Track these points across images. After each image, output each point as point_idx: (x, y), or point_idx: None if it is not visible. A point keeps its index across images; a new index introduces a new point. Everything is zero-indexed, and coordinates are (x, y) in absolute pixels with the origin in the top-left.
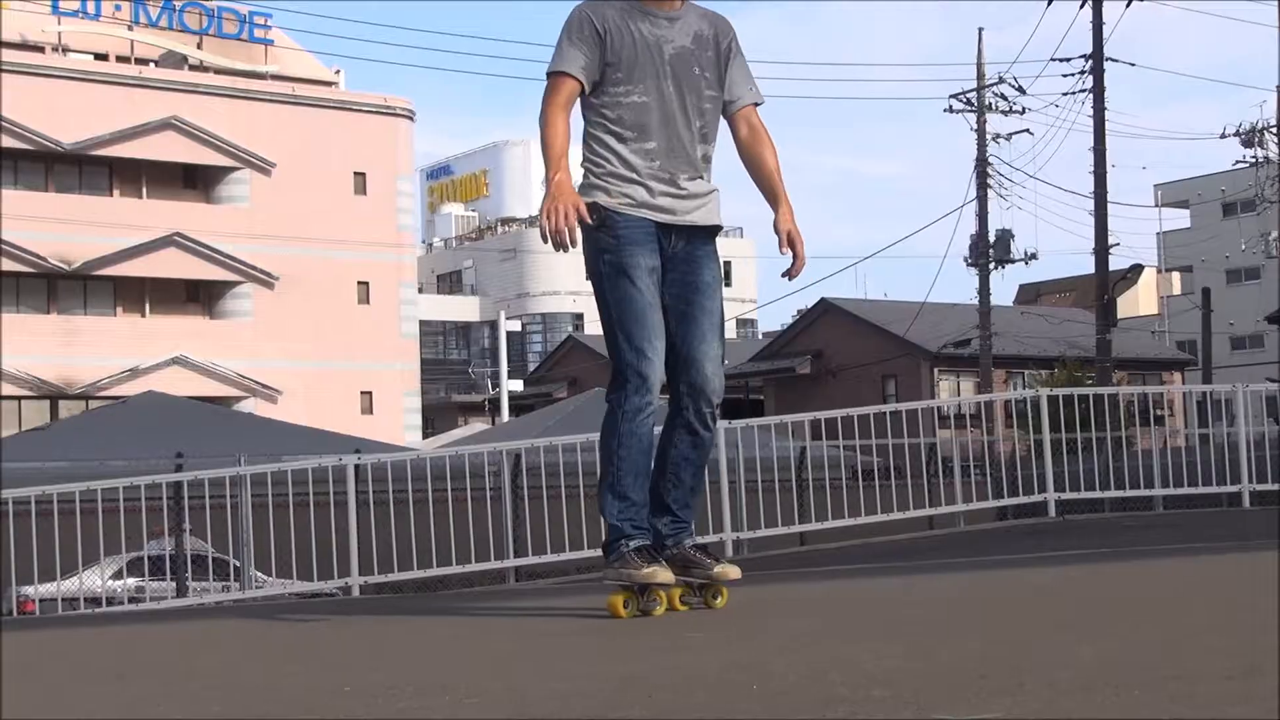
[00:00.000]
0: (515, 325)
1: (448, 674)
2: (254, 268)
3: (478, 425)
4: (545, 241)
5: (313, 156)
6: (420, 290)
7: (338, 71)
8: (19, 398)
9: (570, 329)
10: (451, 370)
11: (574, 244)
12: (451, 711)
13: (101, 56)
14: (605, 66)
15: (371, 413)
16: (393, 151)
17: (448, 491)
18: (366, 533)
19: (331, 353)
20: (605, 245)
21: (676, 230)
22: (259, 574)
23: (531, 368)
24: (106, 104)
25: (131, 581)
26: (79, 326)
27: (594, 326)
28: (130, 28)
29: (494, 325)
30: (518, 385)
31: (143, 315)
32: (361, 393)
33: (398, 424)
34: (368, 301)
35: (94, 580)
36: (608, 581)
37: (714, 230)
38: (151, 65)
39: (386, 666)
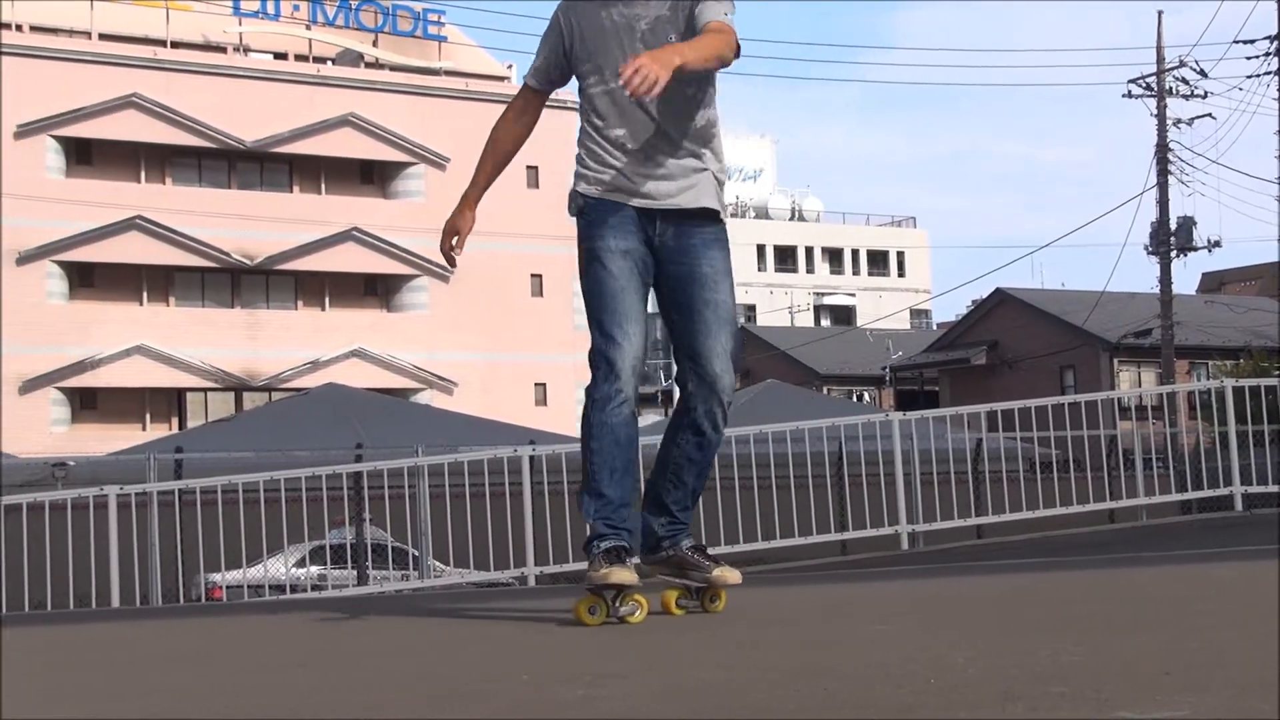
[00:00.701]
0: None
1: (619, 663)
2: (430, 261)
3: (651, 417)
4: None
5: None
6: None
7: (510, 66)
8: (205, 389)
9: (743, 320)
10: None
11: (452, 265)
12: (623, 700)
13: (281, 56)
14: (576, 61)
15: (545, 404)
16: (566, 145)
17: None
18: (542, 523)
19: (506, 345)
20: (580, 233)
21: (662, 216)
22: (437, 563)
23: None
24: (286, 102)
25: (314, 569)
26: (262, 320)
27: (766, 318)
28: (308, 27)
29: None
30: None
31: (322, 309)
32: (535, 384)
33: (572, 415)
34: (541, 294)
35: (278, 568)
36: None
37: (709, 214)
38: (329, 64)
39: (563, 654)
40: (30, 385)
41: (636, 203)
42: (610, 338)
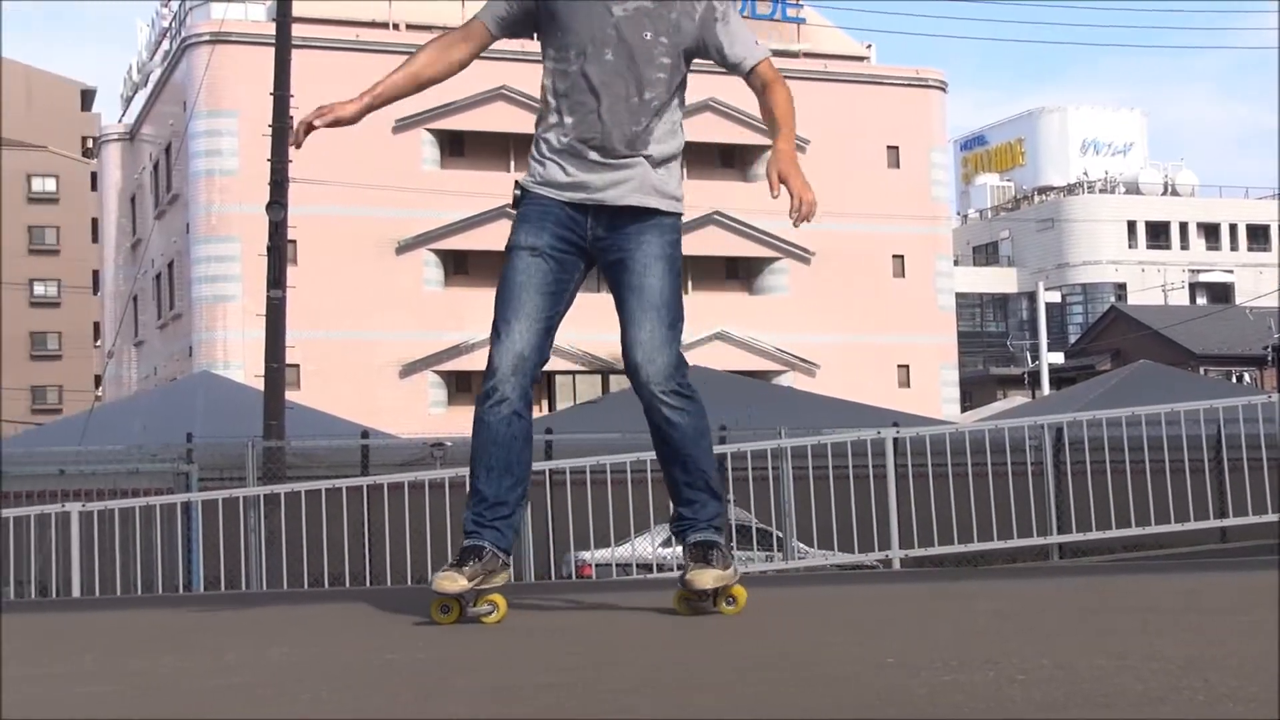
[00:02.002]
0: (1054, 296)
1: (993, 649)
2: (790, 244)
3: (1017, 399)
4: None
5: (846, 132)
6: (956, 263)
7: (869, 46)
8: (573, 372)
9: (1113, 299)
10: (989, 343)
11: (298, 145)
12: (995, 687)
13: None
14: (542, 27)
15: (908, 386)
16: (926, 124)
17: (987, 466)
18: (906, 506)
19: (867, 326)
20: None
21: (595, 211)
22: (800, 544)
23: (1072, 340)
24: None
25: (679, 549)
26: None
27: (1138, 296)
28: None
29: (1032, 297)
30: (1058, 358)
31: (685, 292)
32: (898, 366)
33: (935, 397)
34: (903, 275)
35: (644, 547)
36: None
37: (650, 213)
38: None
39: (931, 639)
40: (409, 369)
41: (565, 195)
42: (495, 334)
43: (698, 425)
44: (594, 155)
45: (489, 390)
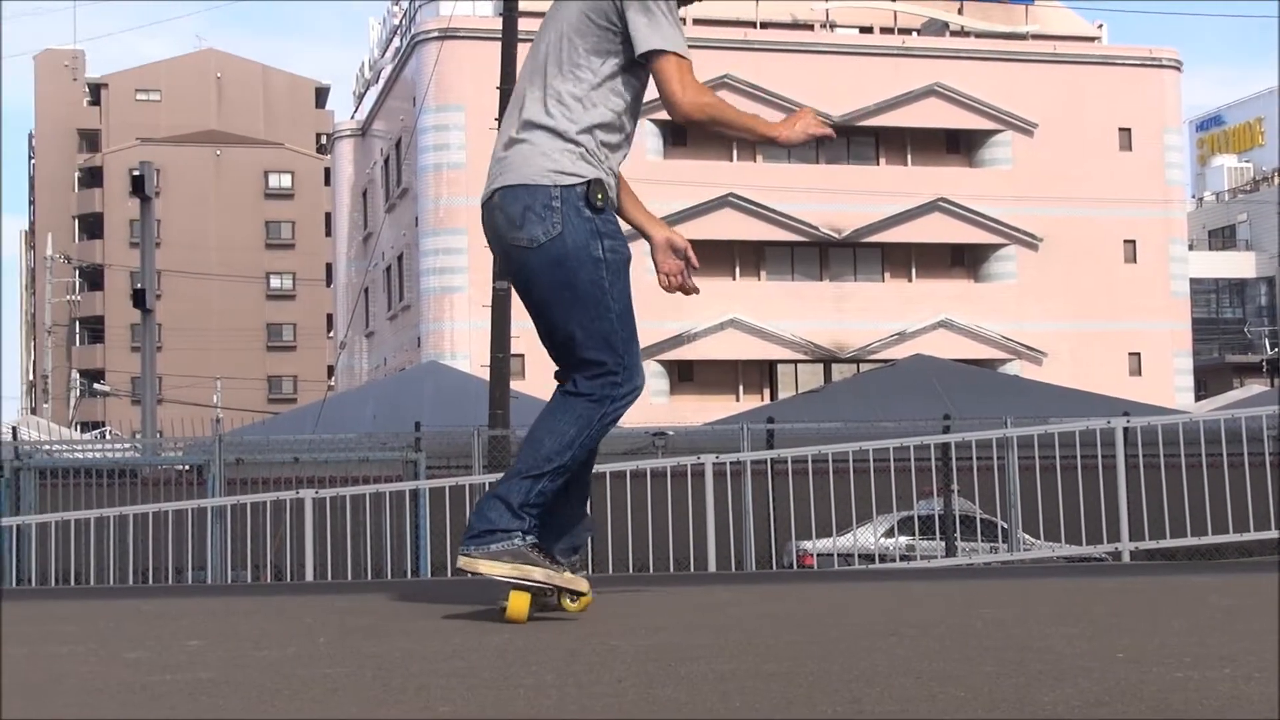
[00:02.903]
0: None
1: (1228, 646)
2: (1017, 229)
3: (1255, 387)
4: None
5: (1075, 114)
6: (1190, 247)
7: (1100, 26)
8: (795, 361)
9: None
10: (1225, 329)
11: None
12: (1231, 685)
13: (866, 30)
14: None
15: (1139, 374)
16: (1159, 104)
17: (1222, 456)
18: (1136, 497)
19: (1097, 313)
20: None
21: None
22: (1027, 536)
23: None
24: (872, 75)
25: (902, 540)
26: (849, 293)
27: None
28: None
29: (1271, 282)
30: None
31: (909, 280)
32: (1129, 354)
33: (1168, 385)
34: (1134, 260)
35: (867, 537)
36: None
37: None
38: (914, 34)
39: (1163, 635)
40: None
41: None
42: (637, 340)
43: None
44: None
45: (639, 388)
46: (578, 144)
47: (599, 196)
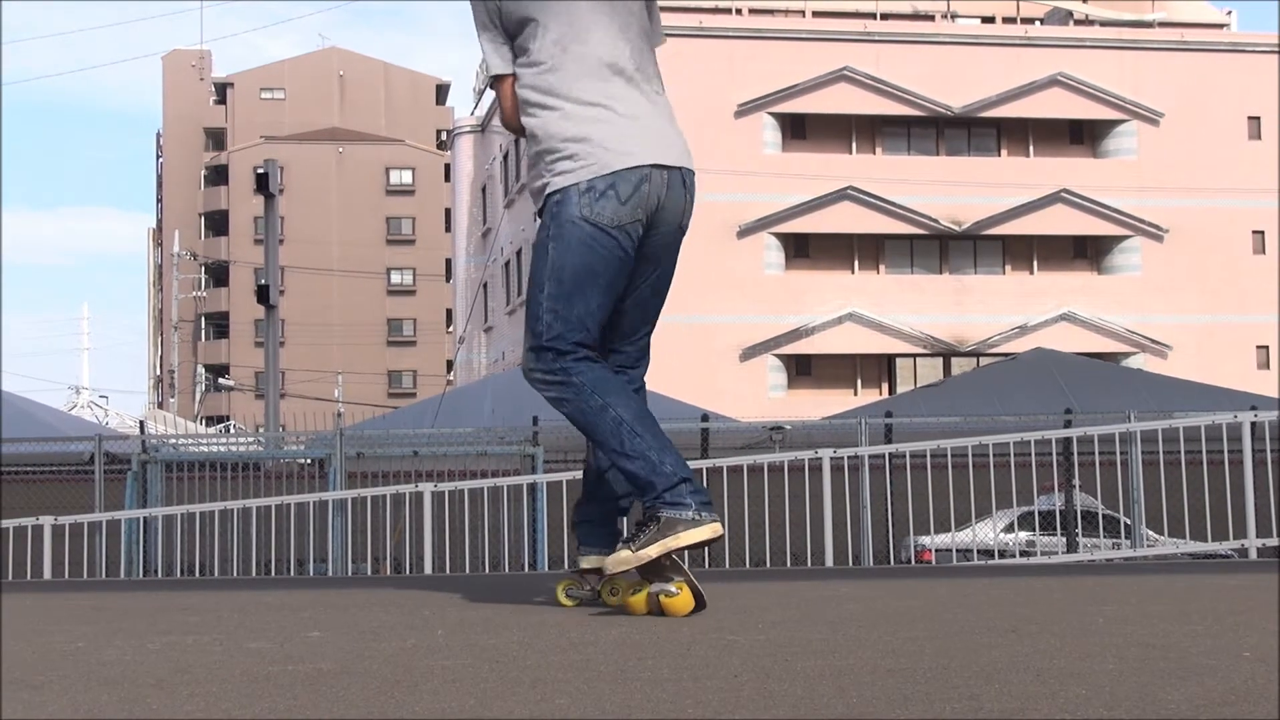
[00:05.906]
0: None
1: None
2: (1142, 221)
3: None
4: None
5: (1203, 103)
6: None
7: (1229, 13)
8: (914, 355)
9: None
10: None
11: None
12: None
13: (988, 20)
14: None
15: (1268, 368)
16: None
17: None
18: (1264, 493)
19: (1223, 306)
20: None
21: None
22: (1150, 532)
23: None
24: (993, 66)
25: (1023, 535)
26: (969, 285)
27: None
28: None
29: None
30: None
31: (1030, 272)
32: (1257, 347)
33: None
34: (1263, 251)
35: (986, 533)
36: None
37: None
38: (1037, 24)
39: None
40: (749, 353)
41: None
42: None
43: (579, 407)
44: None
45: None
46: None
47: None
